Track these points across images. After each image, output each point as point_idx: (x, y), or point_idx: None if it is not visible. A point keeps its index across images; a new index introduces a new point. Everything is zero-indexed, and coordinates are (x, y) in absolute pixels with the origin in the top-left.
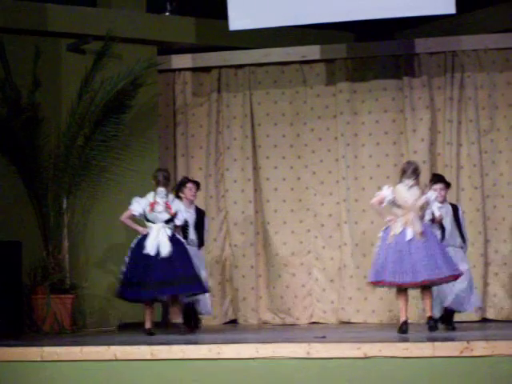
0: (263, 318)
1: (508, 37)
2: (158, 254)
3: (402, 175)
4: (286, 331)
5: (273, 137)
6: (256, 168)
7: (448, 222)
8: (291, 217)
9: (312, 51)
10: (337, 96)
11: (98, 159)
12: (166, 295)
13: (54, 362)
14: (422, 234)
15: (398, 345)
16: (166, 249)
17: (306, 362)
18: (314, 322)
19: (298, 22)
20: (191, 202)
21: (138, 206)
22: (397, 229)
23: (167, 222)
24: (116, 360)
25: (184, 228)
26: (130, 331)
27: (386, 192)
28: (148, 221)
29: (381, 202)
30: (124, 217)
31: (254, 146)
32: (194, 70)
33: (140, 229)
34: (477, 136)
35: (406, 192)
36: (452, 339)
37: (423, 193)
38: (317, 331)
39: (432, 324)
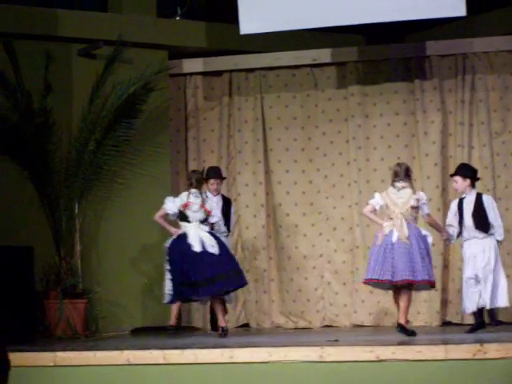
0: (276, 322)
1: None
2: (203, 250)
3: (394, 177)
4: (298, 335)
5: (284, 140)
6: (268, 172)
7: (467, 215)
8: (303, 220)
9: (323, 54)
10: (348, 99)
11: (109, 164)
12: (221, 291)
13: (67, 366)
14: (408, 238)
15: (410, 347)
16: (212, 244)
17: (319, 366)
18: (326, 326)
19: (309, 26)
20: (217, 193)
21: (172, 205)
22: (386, 229)
23: (202, 221)
24: (129, 364)
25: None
26: (143, 335)
27: (376, 199)
28: (183, 220)
29: (372, 211)
30: (158, 216)
31: (265, 150)
32: (205, 74)
33: (172, 229)
34: (488, 138)
35: (396, 195)
36: (465, 342)
37: (415, 193)
38: (329, 335)
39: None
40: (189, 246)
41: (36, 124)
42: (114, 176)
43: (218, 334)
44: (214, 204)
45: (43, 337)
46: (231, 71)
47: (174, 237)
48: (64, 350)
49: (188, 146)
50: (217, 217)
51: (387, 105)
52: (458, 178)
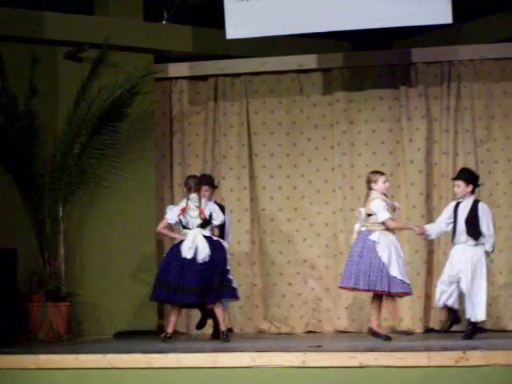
0: (259, 327)
1: (504, 47)
2: (194, 258)
3: None
4: (281, 340)
5: (269, 146)
6: (252, 177)
7: (461, 219)
8: (287, 226)
9: (309, 60)
10: (333, 105)
11: (94, 167)
12: (208, 301)
13: (50, 369)
14: (354, 245)
15: (393, 354)
16: (203, 254)
17: (302, 371)
18: (309, 331)
19: (295, 31)
20: (209, 199)
21: (172, 213)
22: None
23: (203, 225)
24: (111, 368)
25: None
26: (126, 339)
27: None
28: (184, 227)
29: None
30: (160, 227)
31: (250, 155)
32: (190, 78)
33: (178, 236)
34: (473, 146)
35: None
36: (447, 349)
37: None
38: (312, 340)
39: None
40: (181, 251)
41: (21, 127)
42: (99, 179)
43: (222, 339)
44: (216, 207)
45: (26, 339)
46: (217, 76)
47: (175, 242)
48: (47, 352)
49: (173, 150)
50: (220, 219)
51: (372, 111)
52: (460, 183)
